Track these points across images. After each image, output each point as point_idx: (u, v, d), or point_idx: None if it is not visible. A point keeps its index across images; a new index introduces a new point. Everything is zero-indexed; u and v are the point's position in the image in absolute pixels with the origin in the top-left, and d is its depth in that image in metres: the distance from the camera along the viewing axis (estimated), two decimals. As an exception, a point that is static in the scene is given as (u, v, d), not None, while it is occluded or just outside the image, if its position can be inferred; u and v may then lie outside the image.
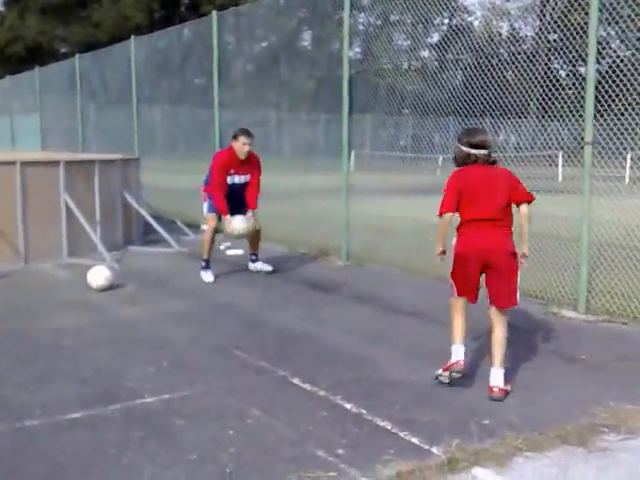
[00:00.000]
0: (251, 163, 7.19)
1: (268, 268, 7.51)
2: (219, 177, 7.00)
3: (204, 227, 10.29)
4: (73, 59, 15.78)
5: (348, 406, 3.75)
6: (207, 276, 7.14)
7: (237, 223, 6.93)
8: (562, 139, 9.25)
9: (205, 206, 7.30)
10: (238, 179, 7.13)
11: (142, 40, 13.08)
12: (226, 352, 4.71)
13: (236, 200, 7.06)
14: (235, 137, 7.05)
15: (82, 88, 15.35)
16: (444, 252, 4.16)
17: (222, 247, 8.90)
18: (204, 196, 7.32)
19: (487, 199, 3.98)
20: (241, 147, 7.00)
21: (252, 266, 7.60)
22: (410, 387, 4.07)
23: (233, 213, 7.02)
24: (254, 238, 7.46)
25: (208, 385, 4.08)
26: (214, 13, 10.60)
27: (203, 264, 7.20)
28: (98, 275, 6.59)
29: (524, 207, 4.10)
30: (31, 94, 18.38)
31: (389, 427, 3.48)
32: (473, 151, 4.02)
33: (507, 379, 4.01)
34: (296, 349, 4.82)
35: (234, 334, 5.17)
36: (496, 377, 3.95)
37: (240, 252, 8.55)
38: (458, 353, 4.05)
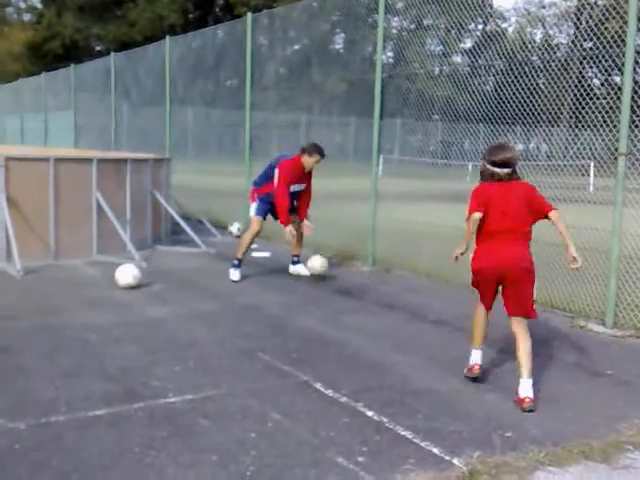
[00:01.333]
0: (307, 176, 7.35)
1: (306, 272, 7.52)
2: (286, 187, 7.08)
3: (231, 229, 10.41)
4: (108, 57, 16.00)
5: (370, 413, 3.75)
6: (235, 274, 7.21)
7: (315, 263, 7.41)
8: (595, 149, 9.13)
9: (252, 207, 7.34)
10: (293, 188, 7.22)
11: (176, 40, 13.22)
12: (250, 354, 4.74)
13: (291, 204, 7.22)
14: (310, 153, 7.13)
15: (116, 87, 15.56)
16: (463, 254, 4.22)
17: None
18: (253, 197, 7.38)
19: (505, 211, 4.07)
20: (312, 164, 7.17)
21: (292, 269, 7.64)
22: (433, 396, 4.06)
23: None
24: (297, 240, 7.54)
25: (232, 387, 4.11)
26: (249, 15, 10.67)
27: (235, 262, 7.24)
28: (126, 273, 6.67)
29: (552, 213, 4.12)
30: (66, 91, 18.67)
31: (410, 436, 3.47)
32: (497, 170, 4.10)
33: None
34: (319, 354, 4.83)
35: (259, 336, 5.20)
36: (526, 388, 3.94)
37: (267, 254, 8.59)
38: (474, 357, 4.25)
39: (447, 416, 3.74)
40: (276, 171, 7.09)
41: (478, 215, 4.08)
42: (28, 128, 22.30)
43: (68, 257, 7.96)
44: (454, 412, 3.81)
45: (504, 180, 4.11)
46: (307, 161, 7.13)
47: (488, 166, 4.13)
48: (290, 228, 7.04)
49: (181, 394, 3.95)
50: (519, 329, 4.10)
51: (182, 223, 9.45)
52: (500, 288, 4.18)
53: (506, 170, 4.10)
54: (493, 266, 4.11)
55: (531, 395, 3.92)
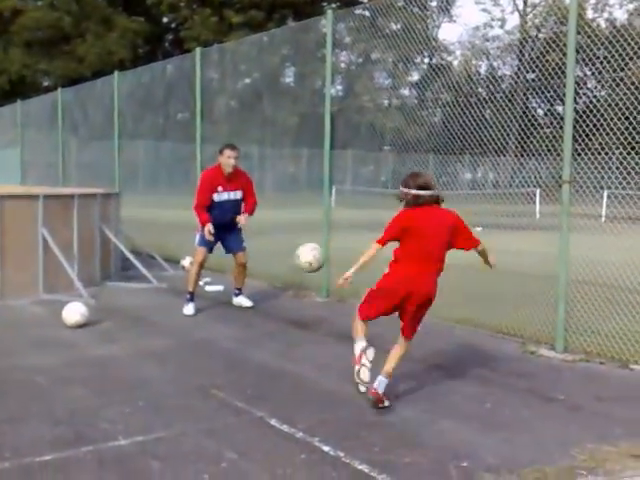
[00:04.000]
0: (240, 178, 7.17)
1: (248, 303, 7.50)
2: (203, 191, 6.95)
3: (183, 263, 10.28)
4: (56, 93, 15.80)
5: (326, 448, 3.70)
6: (188, 309, 7.12)
7: (305, 253, 5.62)
8: (540, 177, 9.38)
9: (197, 237, 7.20)
10: (228, 195, 7.06)
11: (125, 75, 13.15)
12: (204, 391, 4.65)
13: (226, 219, 7.03)
14: (220, 152, 7.04)
15: (64, 122, 15.34)
16: (349, 279, 4.43)
17: (202, 283, 8.83)
18: (198, 227, 7.18)
19: (424, 237, 4.25)
20: (226, 161, 7.00)
21: (235, 300, 7.58)
22: (388, 427, 4.03)
23: (224, 232, 7.04)
24: (239, 273, 7.47)
25: (184, 426, 4.02)
26: (198, 50, 10.70)
27: (188, 297, 7.16)
28: (74, 312, 6.51)
29: (480, 248, 4.47)
30: (12, 127, 18.34)
31: (367, 470, 3.43)
32: (421, 192, 4.27)
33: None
34: (274, 388, 4.77)
35: (212, 373, 5.11)
36: (381, 383, 4.27)
37: (220, 288, 8.51)
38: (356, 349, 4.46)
39: (403, 448, 3.72)
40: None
41: (377, 247, 4.31)
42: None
43: (14, 297, 7.73)
44: (409, 443, 3.80)
45: (427, 204, 4.29)
46: (222, 161, 7.02)
47: (412, 191, 4.28)
48: (209, 227, 6.79)
49: (131, 436, 3.84)
50: (403, 343, 4.44)
51: (132, 258, 9.30)
52: (397, 309, 4.42)
53: (429, 192, 4.27)
54: (402, 289, 4.28)
55: (380, 390, 4.25)
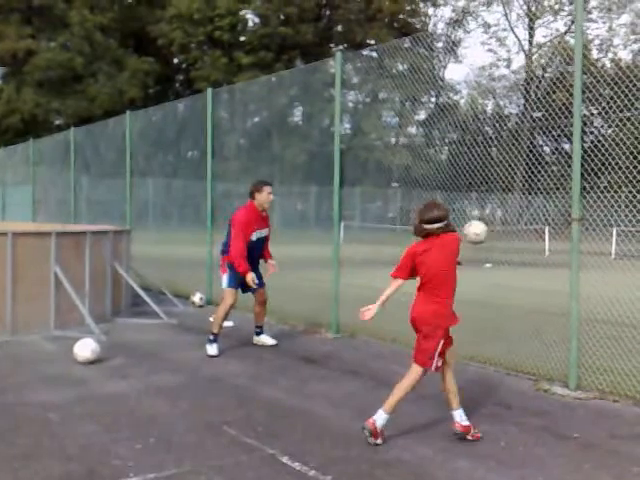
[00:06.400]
0: (267, 217, 7.13)
1: (271, 342, 7.43)
2: (243, 237, 6.72)
3: (193, 299, 10.31)
4: (68, 132, 16.05)
5: (339, 486, 3.67)
6: (212, 349, 6.93)
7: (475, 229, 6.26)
8: (548, 214, 9.42)
9: (224, 278, 6.99)
10: (259, 234, 6.96)
11: (137, 114, 13.37)
12: (215, 428, 4.64)
13: (254, 257, 6.90)
14: (258, 189, 6.88)
15: (76, 160, 15.56)
16: (371, 311, 4.51)
17: (211, 319, 8.84)
18: (224, 266, 7.02)
19: (430, 267, 4.38)
20: (266, 197, 6.88)
21: (256, 339, 7.51)
22: (403, 466, 4.00)
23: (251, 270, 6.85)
24: (260, 310, 7.38)
25: (195, 464, 4.00)
26: (209, 90, 10.89)
27: (211, 337, 6.96)
28: (85, 348, 6.52)
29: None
30: (24, 165, 18.59)
31: (381, 508, 3.40)
32: (428, 227, 4.40)
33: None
34: (286, 425, 4.75)
35: (223, 409, 5.10)
36: (380, 416, 4.31)
37: (230, 324, 8.51)
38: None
39: (417, 486, 3.69)
40: (232, 227, 6.83)
41: (399, 282, 4.46)
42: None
43: (25, 333, 7.76)
44: (424, 481, 3.76)
45: (436, 235, 4.41)
46: (261, 198, 6.88)
47: (423, 225, 4.41)
48: (252, 276, 6.68)
49: (143, 473, 3.82)
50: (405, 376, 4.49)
51: (143, 294, 9.34)
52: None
53: (437, 225, 4.38)
54: (411, 318, 4.49)
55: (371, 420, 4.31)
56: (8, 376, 6.08)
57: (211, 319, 8.75)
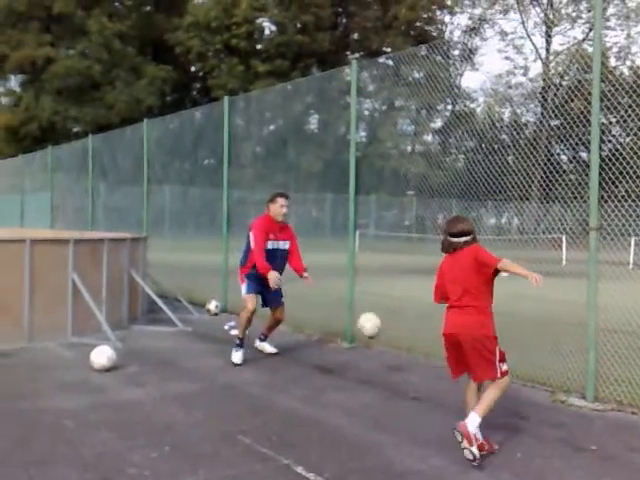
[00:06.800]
0: (288, 229, 7.15)
1: (271, 350, 7.46)
2: (261, 239, 6.77)
3: (209, 306, 10.34)
4: (86, 139, 16.20)
5: (353, 497, 3.66)
6: (237, 357, 6.91)
7: (365, 322, 6.72)
8: (565, 223, 9.35)
9: (244, 287, 7.03)
10: (278, 245, 6.96)
11: (154, 122, 13.47)
12: (230, 437, 4.64)
13: (275, 268, 6.79)
14: (272, 200, 6.94)
15: (94, 167, 15.69)
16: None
17: (226, 327, 8.87)
18: (242, 277, 7.08)
19: (453, 280, 4.43)
20: (279, 209, 6.91)
21: (258, 344, 7.53)
22: (417, 477, 3.98)
23: (266, 283, 6.75)
24: (273, 325, 7.40)
25: (210, 473, 4.00)
26: (226, 98, 10.95)
27: (237, 342, 6.98)
28: (101, 355, 6.56)
29: (500, 265, 4.27)
30: (43, 172, 18.77)
31: (396, 520, 3.38)
32: (454, 240, 4.45)
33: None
34: (300, 434, 4.74)
35: (238, 418, 5.10)
36: (472, 420, 4.12)
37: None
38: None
39: (432, 498, 3.67)
40: (250, 234, 6.91)
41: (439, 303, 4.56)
42: (4, 209, 22.25)
43: (43, 339, 7.81)
44: (439, 493, 3.74)
45: (459, 248, 4.44)
46: (274, 210, 6.92)
47: (448, 238, 4.47)
48: (275, 274, 6.62)
49: (159, 481, 3.83)
50: (488, 389, 4.31)
51: (159, 302, 9.38)
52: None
53: (463, 239, 4.43)
54: (446, 333, 4.43)
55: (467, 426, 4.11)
56: (25, 382, 6.12)
57: (226, 327, 8.79)
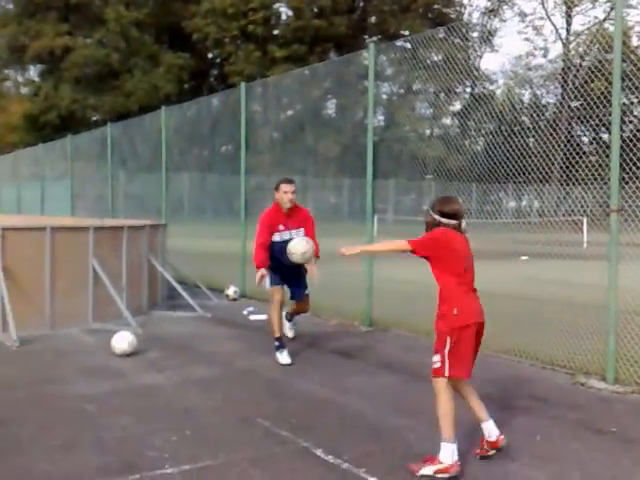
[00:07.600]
0: (300, 215, 6.71)
1: (290, 334, 7.36)
2: (263, 233, 6.49)
3: (227, 292, 10.40)
4: (105, 127, 16.29)
5: None
6: (283, 358, 6.43)
7: (295, 245, 6.12)
8: (586, 205, 9.25)
9: (267, 280, 6.61)
10: (290, 234, 6.51)
11: (172, 109, 13.50)
12: (249, 421, 4.67)
13: (279, 260, 6.46)
14: (276, 188, 6.60)
15: (113, 155, 15.79)
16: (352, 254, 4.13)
17: (245, 312, 8.92)
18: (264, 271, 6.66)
19: (469, 266, 3.97)
20: (284, 196, 6.53)
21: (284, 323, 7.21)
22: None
23: (289, 274, 6.56)
24: (295, 310, 7.14)
25: (230, 455, 4.04)
26: (242, 84, 10.93)
27: (277, 344, 6.51)
28: (122, 341, 6.63)
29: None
30: (63, 161, 18.94)
31: (414, 502, 3.39)
32: (444, 220, 3.95)
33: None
34: (320, 418, 4.76)
35: (257, 402, 5.13)
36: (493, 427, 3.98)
37: (263, 317, 8.56)
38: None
39: (451, 480, 3.67)
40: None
41: (405, 249, 3.96)
42: (25, 197, 22.52)
43: (64, 326, 7.91)
44: (458, 476, 3.74)
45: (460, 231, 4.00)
46: (279, 197, 6.57)
47: (436, 216, 3.99)
48: (263, 272, 6.34)
49: (178, 464, 3.87)
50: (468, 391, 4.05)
51: (178, 288, 9.45)
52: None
53: (453, 222, 3.96)
54: (474, 322, 3.89)
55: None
56: (48, 368, 6.21)
57: (244, 312, 8.83)
